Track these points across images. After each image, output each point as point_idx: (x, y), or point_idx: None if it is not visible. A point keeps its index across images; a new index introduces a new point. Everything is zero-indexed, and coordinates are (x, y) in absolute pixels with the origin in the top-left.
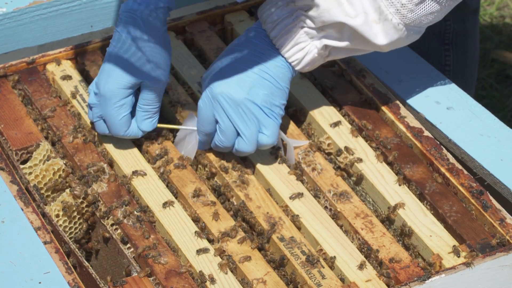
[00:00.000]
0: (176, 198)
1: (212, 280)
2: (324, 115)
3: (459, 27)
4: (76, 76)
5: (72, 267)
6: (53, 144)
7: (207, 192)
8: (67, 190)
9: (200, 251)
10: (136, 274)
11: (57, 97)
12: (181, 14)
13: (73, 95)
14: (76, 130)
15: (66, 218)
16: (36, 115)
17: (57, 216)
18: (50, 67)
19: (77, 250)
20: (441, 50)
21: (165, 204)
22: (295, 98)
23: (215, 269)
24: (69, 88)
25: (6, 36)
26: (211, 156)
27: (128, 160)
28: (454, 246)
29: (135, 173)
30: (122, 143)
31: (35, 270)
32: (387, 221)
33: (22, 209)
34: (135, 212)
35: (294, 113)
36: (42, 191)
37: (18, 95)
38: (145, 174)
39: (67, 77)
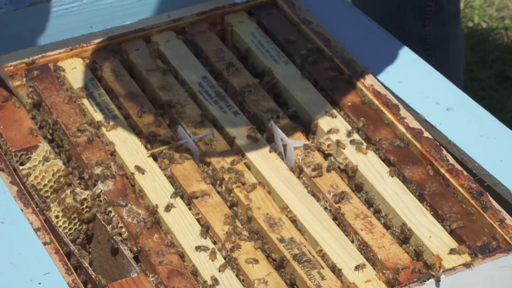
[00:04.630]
0: (181, 197)
1: (215, 281)
2: (324, 116)
3: (440, 31)
4: (87, 74)
5: (72, 268)
6: (61, 141)
7: (212, 192)
8: (67, 191)
9: (199, 248)
10: (136, 274)
11: (67, 94)
12: (181, 15)
13: (83, 93)
14: (85, 127)
15: (65, 219)
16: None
17: (57, 217)
18: (61, 64)
19: (76, 251)
20: (423, 55)
21: (168, 207)
22: (295, 99)
23: (218, 269)
24: (79, 85)
25: (6, 37)
26: (211, 157)
27: (136, 159)
28: (451, 249)
29: (139, 169)
30: (130, 141)
31: (35, 271)
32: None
33: (22, 210)
34: (140, 211)
35: (294, 114)
36: (42, 192)
37: (29, 92)
38: (146, 171)
39: (78, 75)
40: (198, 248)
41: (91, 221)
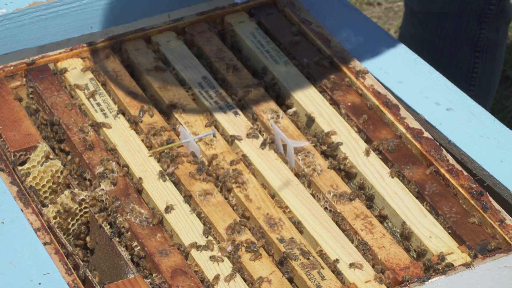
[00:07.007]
0: (183, 196)
1: (219, 279)
2: (324, 117)
3: (493, 36)
4: (87, 74)
5: (72, 268)
6: (60, 141)
7: (214, 191)
8: (66, 192)
9: (203, 247)
10: (132, 276)
11: (67, 94)
12: (181, 15)
13: (84, 93)
14: (86, 128)
15: (63, 220)
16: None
17: (55, 218)
18: (61, 64)
19: (74, 253)
20: (472, 57)
21: (167, 209)
22: (295, 99)
23: (221, 268)
24: (79, 86)
25: (6, 37)
26: (211, 157)
27: (137, 159)
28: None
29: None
30: (131, 141)
31: (35, 271)
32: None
33: (22, 210)
34: (142, 211)
35: (294, 114)
36: (40, 193)
37: (29, 92)
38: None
39: (78, 75)
40: (201, 247)
41: (89, 221)
